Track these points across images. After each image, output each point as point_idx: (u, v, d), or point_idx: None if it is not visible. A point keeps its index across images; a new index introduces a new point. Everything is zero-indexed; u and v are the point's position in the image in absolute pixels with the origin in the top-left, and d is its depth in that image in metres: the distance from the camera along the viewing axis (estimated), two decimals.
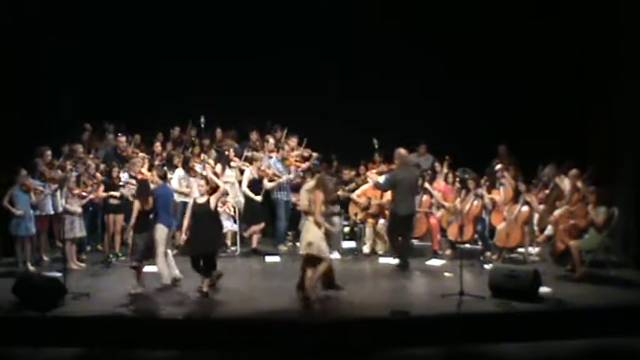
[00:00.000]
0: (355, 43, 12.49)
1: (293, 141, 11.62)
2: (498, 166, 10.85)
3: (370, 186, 10.70)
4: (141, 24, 12.30)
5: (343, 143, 11.84)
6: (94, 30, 12.16)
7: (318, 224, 8.19)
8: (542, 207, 10.32)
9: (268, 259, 10.49)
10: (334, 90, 12.50)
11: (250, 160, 11.30)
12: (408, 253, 10.08)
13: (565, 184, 10.20)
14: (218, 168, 11.20)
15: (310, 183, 8.47)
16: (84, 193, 10.06)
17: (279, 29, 12.46)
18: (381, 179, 10.23)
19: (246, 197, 10.97)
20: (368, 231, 10.75)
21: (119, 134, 11.85)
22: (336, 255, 10.58)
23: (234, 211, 10.87)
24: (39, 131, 10.93)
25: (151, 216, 8.81)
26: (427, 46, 12.30)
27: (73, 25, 11.79)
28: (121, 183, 10.42)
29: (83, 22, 12.01)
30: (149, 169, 11.05)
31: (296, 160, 11.45)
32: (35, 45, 10.98)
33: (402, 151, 10.22)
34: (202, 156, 11.50)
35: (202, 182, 9.07)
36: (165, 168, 11.17)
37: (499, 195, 10.37)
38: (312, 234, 8.18)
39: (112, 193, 10.30)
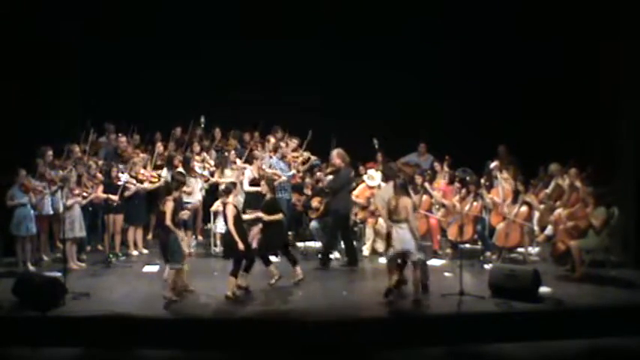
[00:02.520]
0: (356, 42, 12.49)
1: (294, 142, 11.61)
2: (493, 164, 10.87)
3: (366, 186, 10.72)
4: (141, 24, 12.30)
5: (343, 143, 11.83)
6: (95, 30, 12.17)
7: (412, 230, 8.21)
8: (542, 206, 10.32)
9: None
10: (335, 89, 12.50)
11: (251, 161, 11.30)
12: (354, 251, 10.18)
13: (567, 183, 10.21)
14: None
15: (388, 189, 8.58)
16: (85, 194, 10.06)
17: (280, 28, 12.47)
18: (328, 181, 10.37)
19: (246, 197, 10.96)
20: (368, 231, 10.74)
21: (119, 134, 11.86)
22: (336, 255, 10.59)
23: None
24: (39, 131, 10.92)
25: None
26: (428, 45, 12.32)
27: (73, 24, 11.80)
28: (120, 183, 10.42)
29: (83, 21, 12.02)
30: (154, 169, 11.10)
31: (293, 157, 11.46)
32: (35, 44, 11.00)
33: (341, 150, 10.29)
34: (202, 155, 11.52)
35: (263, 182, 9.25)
36: (166, 169, 11.26)
37: (497, 194, 10.38)
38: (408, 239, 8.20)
39: (111, 196, 10.28)
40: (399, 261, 8.37)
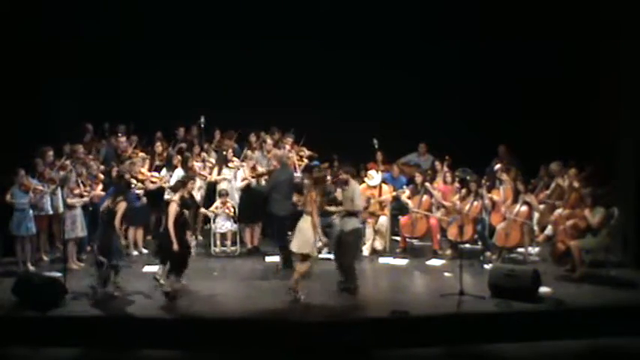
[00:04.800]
0: (355, 42, 12.49)
1: (288, 140, 11.61)
2: (498, 166, 10.87)
3: (366, 186, 10.72)
4: (141, 24, 12.30)
5: (343, 143, 11.86)
6: (95, 30, 12.17)
7: (313, 224, 8.25)
8: (542, 206, 10.32)
9: (268, 259, 10.48)
10: (335, 89, 12.50)
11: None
12: (289, 255, 10.00)
13: (567, 184, 10.20)
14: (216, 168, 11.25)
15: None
16: (84, 193, 10.05)
17: (279, 28, 12.47)
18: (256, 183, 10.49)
19: (242, 197, 10.97)
20: (368, 231, 10.72)
21: (120, 134, 11.86)
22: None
23: (234, 212, 10.85)
24: (39, 131, 10.92)
25: None
26: (427, 45, 12.33)
27: (73, 24, 11.80)
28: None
29: (83, 21, 12.02)
30: (150, 169, 11.10)
31: (297, 160, 11.45)
32: (35, 44, 10.99)
33: (278, 152, 10.28)
34: (202, 155, 11.52)
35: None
36: (164, 168, 11.26)
37: (499, 195, 10.37)
38: (304, 233, 8.28)
39: None
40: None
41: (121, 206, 8.55)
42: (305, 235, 8.29)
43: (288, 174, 10.11)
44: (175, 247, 8.36)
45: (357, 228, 8.93)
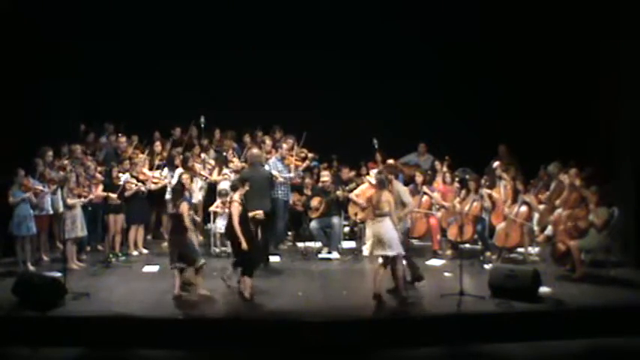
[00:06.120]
0: (356, 42, 12.49)
1: (289, 142, 11.59)
2: (496, 164, 10.87)
3: (368, 185, 10.71)
4: (141, 24, 12.31)
5: (343, 143, 11.85)
6: (95, 30, 12.18)
7: (394, 223, 8.26)
8: (542, 207, 10.31)
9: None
10: (335, 90, 12.50)
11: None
12: (267, 252, 10.09)
13: (567, 183, 10.18)
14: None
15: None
16: (84, 193, 10.06)
17: (279, 28, 12.48)
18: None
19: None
20: (368, 231, 10.70)
21: (119, 134, 11.87)
22: (335, 255, 10.60)
23: None
24: (39, 131, 10.92)
25: None
26: (427, 46, 12.33)
27: (73, 24, 11.80)
28: (120, 183, 10.43)
29: (83, 21, 12.03)
30: (150, 169, 11.11)
31: (296, 160, 11.44)
32: (36, 44, 11.00)
33: (254, 151, 10.32)
34: (202, 155, 11.53)
35: None
36: (166, 168, 11.27)
37: (499, 193, 10.36)
38: (389, 234, 8.25)
39: (111, 194, 10.30)
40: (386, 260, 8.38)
41: (184, 207, 8.52)
42: (385, 237, 8.28)
43: (257, 173, 10.03)
44: (244, 245, 8.29)
45: (407, 228, 9.23)
